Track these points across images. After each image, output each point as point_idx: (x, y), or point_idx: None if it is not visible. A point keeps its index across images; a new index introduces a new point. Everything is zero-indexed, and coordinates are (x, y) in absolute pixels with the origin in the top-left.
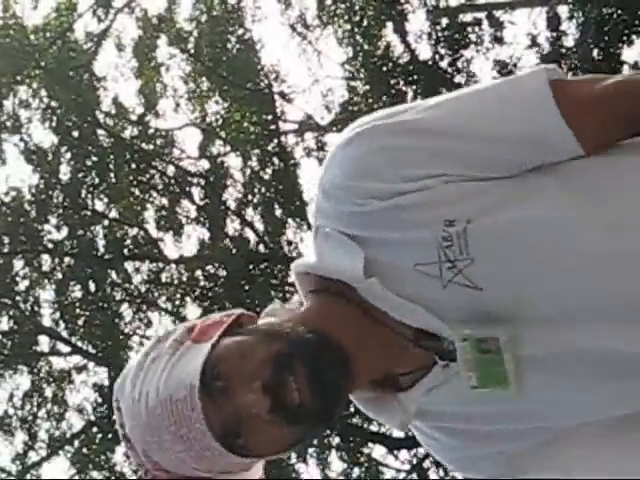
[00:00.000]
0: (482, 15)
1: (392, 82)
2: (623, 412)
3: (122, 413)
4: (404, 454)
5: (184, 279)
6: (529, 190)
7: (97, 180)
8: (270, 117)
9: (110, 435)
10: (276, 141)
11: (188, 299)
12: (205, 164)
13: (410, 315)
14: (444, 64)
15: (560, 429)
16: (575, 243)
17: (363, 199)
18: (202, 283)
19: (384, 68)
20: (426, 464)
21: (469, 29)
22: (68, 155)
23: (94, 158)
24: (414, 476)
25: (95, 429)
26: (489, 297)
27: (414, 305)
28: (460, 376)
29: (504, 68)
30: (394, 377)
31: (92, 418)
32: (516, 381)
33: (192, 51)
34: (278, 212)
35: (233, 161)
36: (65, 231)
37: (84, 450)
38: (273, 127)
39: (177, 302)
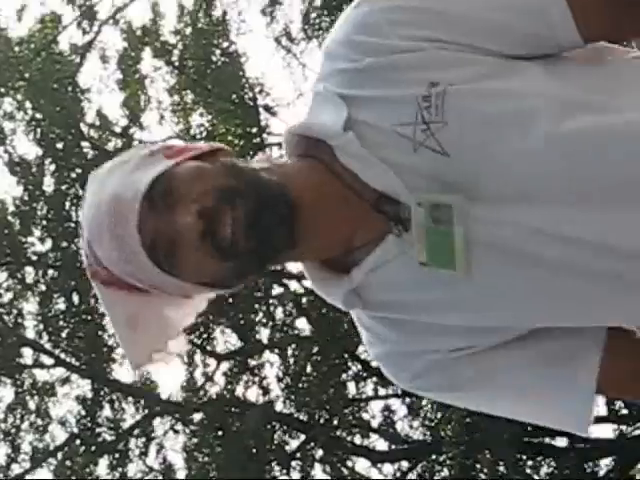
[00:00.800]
0: None
1: None
2: (572, 321)
3: (85, 202)
4: (388, 467)
5: None
6: (516, 70)
7: (81, 192)
8: (255, 130)
9: (93, 448)
10: (260, 154)
11: None
12: None
13: (377, 176)
14: None
15: (502, 335)
16: (546, 123)
17: (359, 55)
18: None
19: None
20: (410, 477)
21: None
22: (52, 167)
23: (78, 170)
24: None
25: (78, 442)
26: (453, 165)
27: (383, 165)
28: (410, 251)
29: None
30: (347, 254)
31: (75, 430)
32: (464, 261)
33: (177, 63)
34: None
35: None
36: (49, 243)
37: (67, 463)
38: (257, 140)
39: None
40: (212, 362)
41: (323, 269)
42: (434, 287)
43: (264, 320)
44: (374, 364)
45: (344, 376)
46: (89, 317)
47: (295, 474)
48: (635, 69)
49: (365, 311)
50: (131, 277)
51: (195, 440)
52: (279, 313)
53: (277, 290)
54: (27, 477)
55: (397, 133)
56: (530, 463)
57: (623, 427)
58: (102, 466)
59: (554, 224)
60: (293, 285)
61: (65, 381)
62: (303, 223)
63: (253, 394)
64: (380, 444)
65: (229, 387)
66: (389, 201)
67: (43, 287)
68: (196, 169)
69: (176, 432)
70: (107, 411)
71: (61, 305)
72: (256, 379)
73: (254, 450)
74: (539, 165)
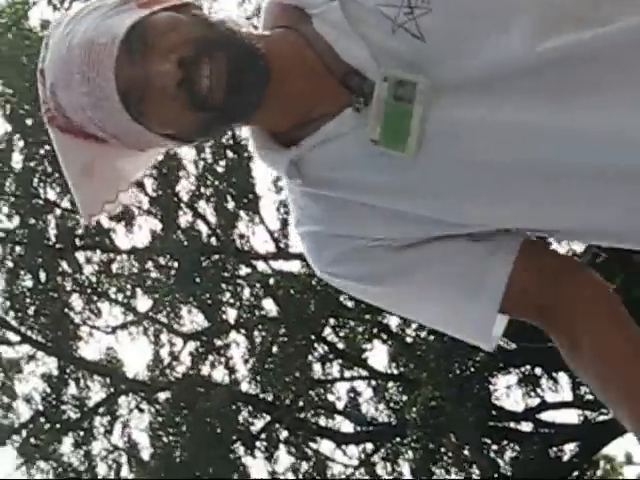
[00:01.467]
0: None
1: None
2: (512, 221)
3: (48, 48)
4: (352, 449)
5: (135, 270)
6: None
7: (49, 169)
8: None
9: (58, 425)
10: (230, 134)
11: (139, 290)
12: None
13: (349, 48)
14: None
15: (434, 228)
16: (527, 32)
17: None
18: (153, 274)
19: None
20: (374, 459)
21: None
22: (21, 143)
23: (47, 147)
24: (362, 471)
25: (43, 419)
26: (427, 50)
27: (358, 40)
28: (364, 128)
29: None
30: (303, 127)
31: (40, 408)
32: (416, 142)
33: None
34: (231, 205)
35: (186, 153)
36: (16, 220)
37: (32, 440)
38: None
39: (128, 293)
40: (178, 341)
41: (270, 139)
42: (380, 168)
43: (231, 300)
44: (340, 346)
45: (310, 357)
46: (56, 295)
47: (260, 454)
48: None
49: (303, 187)
50: (94, 124)
51: (160, 419)
52: (246, 294)
53: (244, 270)
54: None
55: (380, 12)
56: (495, 447)
57: (588, 413)
58: (67, 444)
59: (517, 117)
60: (260, 266)
61: (31, 358)
62: (272, 85)
63: (219, 374)
64: (345, 426)
65: (195, 367)
66: (357, 76)
67: (10, 264)
68: (173, 18)
69: (141, 411)
70: (72, 389)
71: (28, 282)
72: (222, 359)
73: (219, 430)
74: (513, 63)
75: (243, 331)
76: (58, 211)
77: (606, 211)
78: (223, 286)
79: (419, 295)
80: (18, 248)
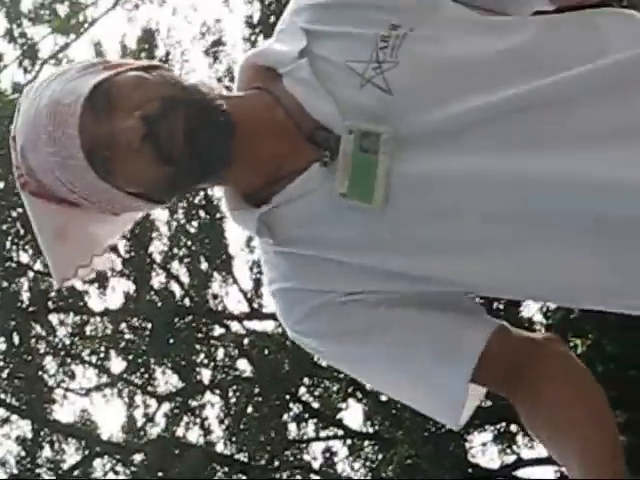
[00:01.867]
0: None
1: None
2: (482, 277)
3: (19, 113)
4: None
5: (109, 332)
6: (479, 23)
7: (22, 232)
8: None
9: None
10: (202, 194)
11: (113, 352)
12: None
13: (317, 103)
14: None
15: (406, 284)
16: (490, 84)
17: None
18: (127, 336)
19: None
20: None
21: None
22: None
23: (19, 210)
24: None
25: None
26: (394, 104)
27: (327, 96)
28: (332, 182)
29: None
30: (272, 186)
31: (15, 471)
32: (383, 194)
33: None
34: (204, 266)
35: (159, 214)
36: None
37: None
38: None
39: (102, 355)
40: (153, 403)
41: (242, 200)
42: (348, 222)
43: (205, 361)
44: (315, 405)
45: (285, 417)
46: (29, 358)
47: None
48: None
49: (273, 246)
50: (64, 187)
51: None
52: (220, 354)
53: (218, 331)
54: None
55: (349, 68)
56: None
57: (564, 469)
58: None
59: (482, 167)
60: (234, 326)
61: (5, 421)
62: (239, 143)
63: (194, 435)
64: None
65: (170, 428)
66: (324, 131)
67: None
68: (138, 77)
69: (116, 473)
70: (47, 452)
71: (1, 345)
72: (197, 420)
73: None
74: (474, 114)
75: (218, 391)
76: (31, 274)
77: (578, 266)
78: (197, 347)
79: (386, 359)
80: None
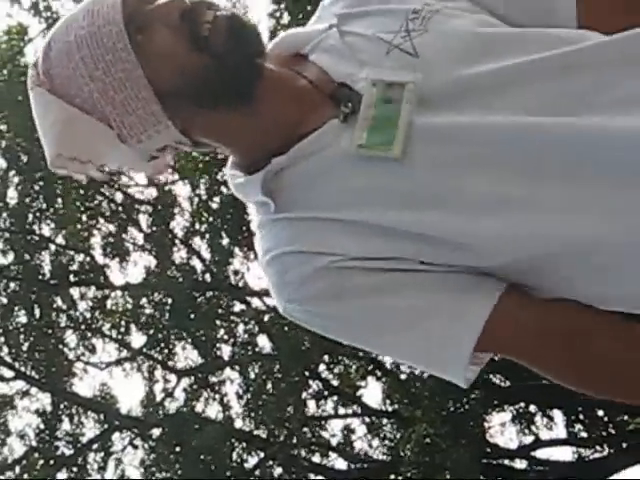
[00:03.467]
0: None
1: None
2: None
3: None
4: None
5: (129, 306)
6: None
7: (44, 205)
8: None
9: (52, 462)
10: (225, 170)
11: (133, 327)
12: (153, 192)
13: (343, 66)
14: None
15: (418, 250)
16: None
17: None
18: (147, 311)
19: None
20: None
21: None
22: (16, 179)
23: (42, 183)
24: None
25: (37, 455)
26: (419, 65)
27: (351, 57)
28: (349, 138)
29: None
30: (290, 144)
31: (34, 444)
32: (403, 141)
33: None
34: (225, 241)
35: (181, 189)
36: (11, 256)
37: (25, 476)
38: (221, 156)
39: (122, 329)
40: (172, 378)
41: (248, 173)
42: (364, 176)
43: (225, 337)
44: (335, 383)
45: (304, 394)
46: (50, 331)
47: None
48: None
49: (273, 215)
50: (82, 78)
51: (154, 456)
52: (240, 330)
53: (238, 307)
54: None
55: (378, 38)
56: None
57: (582, 450)
58: None
59: (509, 120)
60: (255, 302)
61: (25, 394)
62: (262, 90)
63: (213, 411)
64: (339, 463)
65: (189, 403)
66: (346, 89)
67: (4, 300)
68: None
69: (135, 447)
70: (66, 425)
71: (22, 318)
72: (216, 396)
73: (213, 467)
74: (501, 84)
75: (237, 367)
76: (53, 247)
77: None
78: (217, 322)
79: (388, 319)
80: (12, 284)
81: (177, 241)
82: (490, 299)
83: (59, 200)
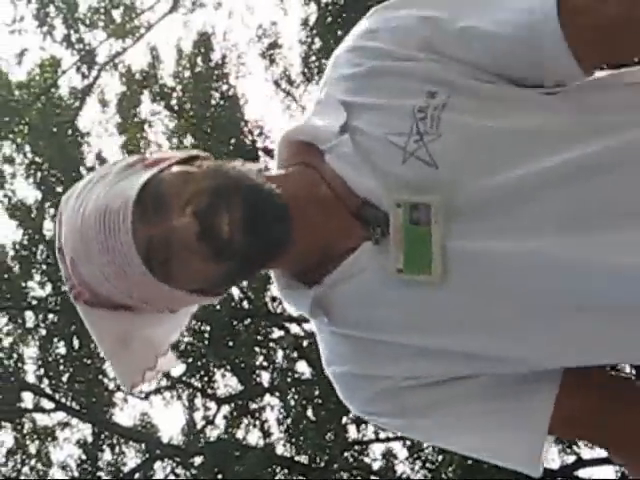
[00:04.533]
0: None
1: None
2: (546, 354)
3: (61, 224)
4: None
5: None
6: (516, 95)
7: None
8: None
9: None
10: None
11: None
12: None
13: (361, 180)
14: None
15: (466, 366)
16: (541, 152)
17: (362, 59)
18: (186, 339)
19: None
20: None
21: None
22: (52, 211)
23: None
24: None
25: None
26: (440, 176)
27: (370, 172)
28: (385, 260)
29: None
30: (325, 263)
31: (76, 474)
32: (441, 264)
33: (176, 107)
34: None
35: None
36: (49, 287)
37: None
38: None
39: None
40: (212, 405)
41: (293, 280)
42: (403, 301)
43: (264, 363)
44: None
45: (344, 419)
46: (89, 361)
47: None
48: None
49: (328, 327)
50: (121, 293)
51: None
52: (279, 356)
53: (277, 333)
54: None
55: (390, 142)
56: None
57: (624, 469)
58: None
59: (535, 252)
60: (293, 328)
61: (65, 425)
62: (295, 225)
63: (254, 437)
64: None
65: (229, 430)
66: (371, 208)
67: (43, 331)
68: (183, 173)
69: (176, 475)
70: (108, 455)
71: (61, 349)
72: (256, 422)
73: None
74: (527, 193)
75: (277, 394)
76: None
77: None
78: (256, 349)
79: (459, 427)
80: (51, 315)
81: None
82: (549, 400)
83: None
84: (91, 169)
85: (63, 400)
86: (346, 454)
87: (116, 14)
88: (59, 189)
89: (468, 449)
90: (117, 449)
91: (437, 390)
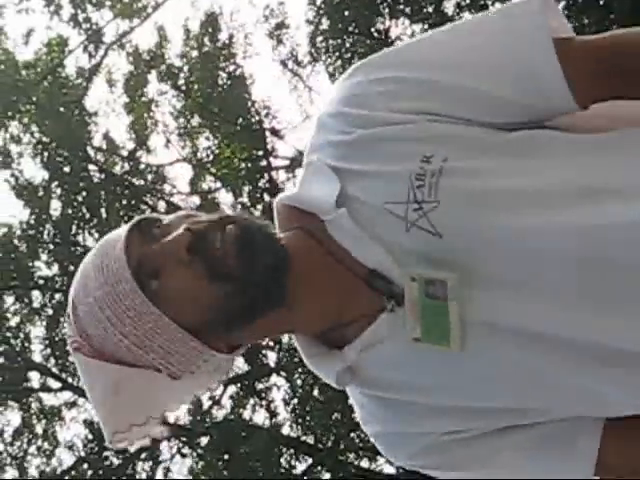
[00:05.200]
0: None
1: None
2: (566, 412)
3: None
4: None
5: None
6: (512, 146)
7: (88, 216)
8: (261, 153)
9: (101, 472)
10: (267, 177)
11: None
12: (196, 200)
13: (368, 253)
14: None
15: (498, 418)
16: (545, 209)
17: (350, 127)
18: None
19: None
20: None
21: None
22: (59, 190)
23: (85, 193)
24: None
25: (85, 465)
26: (447, 246)
27: (374, 244)
28: (404, 328)
29: None
30: (339, 329)
31: (82, 454)
32: (459, 337)
33: (183, 87)
34: None
35: (224, 197)
36: (56, 267)
37: None
38: (264, 163)
39: None
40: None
41: (315, 343)
42: (427, 366)
43: (270, 343)
44: None
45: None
46: None
47: None
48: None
49: (359, 388)
50: (114, 336)
51: (202, 464)
52: (285, 336)
53: None
54: None
55: (389, 211)
56: None
57: None
58: None
59: (547, 323)
60: None
61: (72, 405)
62: (292, 285)
63: (260, 418)
64: (387, 467)
65: (236, 411)
66: (381, 277)
67: (50, 311)
68: (187, 213)
69: (183, 456)
70: None
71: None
72: (263, 402)
73: (261, 474)
74: (535, 254)
75: (283, 374)
76: None
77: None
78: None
79: (507, 475)
80: (58, 295)
81: None
82: (593, 446)
83: (102, 210)
84: (98, 149)
85: (70, 380)
86: (352, 434)
87: None
88: (66, 169)
89: None
90: None
91: (479, 443)
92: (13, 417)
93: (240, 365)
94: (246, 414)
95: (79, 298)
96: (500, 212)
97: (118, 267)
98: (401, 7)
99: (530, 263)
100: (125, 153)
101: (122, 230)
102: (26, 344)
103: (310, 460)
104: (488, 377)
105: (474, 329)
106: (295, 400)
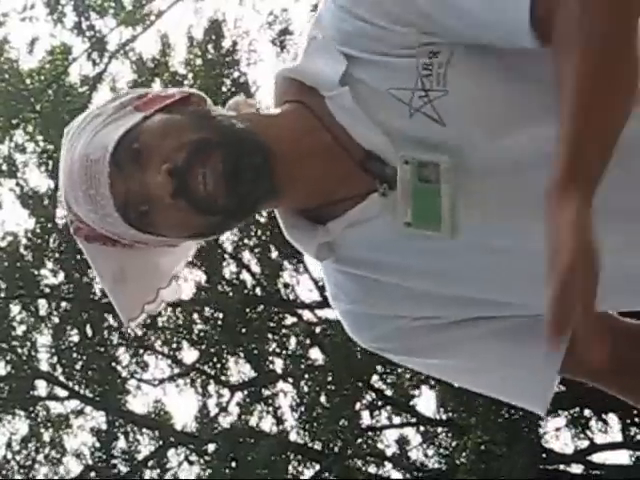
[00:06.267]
0: None
1: None
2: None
3: (61, 159)
4: None
5: (180, 322)
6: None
7: None
8: None
9: None
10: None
11: (185, 342)
12: None
13: (365, 134)
14: None
15: (475, 309)
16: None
17: (358, 20)
18: (199, 326)
19: None
20: None
21: None
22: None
23: None
24: None
25: (93, 474)
26: (448, 134)
27: (373, 125)
28: (394, 211)
29: None
30: (326, 207)
31: (90, 462)
32: (450, 221)
33: None
34: (274, 255)
35: None
36: (61, 275)
37: None
38: None
39: (174, 345)
40: (226, 392)
41: (298, 217)
42: (414, 250)
43: (277, 350)
44: (388, 393)
45: (358, 405)
46: (102, 349)
47: None
48: None
49: (336, 265)
50: (112, 234)
51: (210, 471)
52: (292, 343)
53: (290, 320)
54: None
55: (393, 96)
56: None
57: (639, 453)
58: None
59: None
60: (306, 315)
61: (79, 413)
62: (281, 172)
63: (267, 424)
64: (394, 473)
65: (243, 417)
66: (376, 160)
67: (56, 319)
68: (165, 123)
69: (190, 463)
70: (122, 442)
71: (74, 337)
72: (270, 409)
73: None
74: (539, 158)
75: (290, 380)
76: None
77: None
78: (269, 336)
79: (472, 365)
80: (64, 303)
81: (227, 256)
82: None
83: None
84: None
85: (77, 388)
86: (360, 440)
87: (127, 1)
88: None
89: (479, 386)
90: (131, 437)
91: (448, 331)
92: (20, 426)
93: (247, 372)
94: (253, 421)
95: (70, 201)
96: (507, 113)
97: (106, 205)
98: None
99: (529, 164)
100: None
101: (103, 142)
102: (33, 352)
103: (317, 466)
104: (476, 265)
105: (466, 215)
106: (302, 406)
